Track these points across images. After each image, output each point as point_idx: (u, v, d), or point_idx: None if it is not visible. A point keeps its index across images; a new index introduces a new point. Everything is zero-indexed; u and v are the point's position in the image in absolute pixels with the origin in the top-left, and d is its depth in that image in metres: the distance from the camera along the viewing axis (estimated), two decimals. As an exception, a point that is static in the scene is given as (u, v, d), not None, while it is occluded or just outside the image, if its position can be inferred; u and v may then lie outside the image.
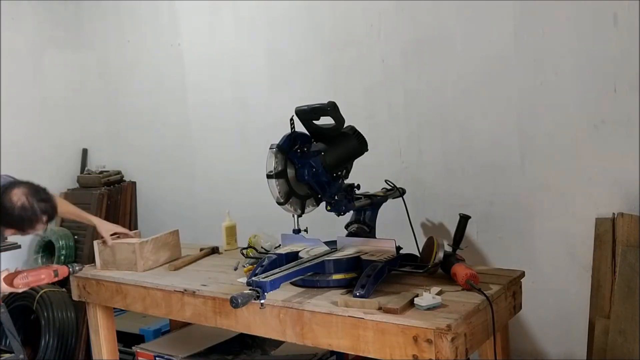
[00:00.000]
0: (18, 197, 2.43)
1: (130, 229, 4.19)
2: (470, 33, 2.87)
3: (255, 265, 2.52)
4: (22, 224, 2.48)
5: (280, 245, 2.77)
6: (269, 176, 2.37)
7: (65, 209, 3.01)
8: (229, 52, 3.74)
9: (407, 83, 3.08)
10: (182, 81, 3.99)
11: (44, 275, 2.62)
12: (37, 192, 2.49)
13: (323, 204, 2.54)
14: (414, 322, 1.98)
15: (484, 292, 2.15)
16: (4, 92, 3.97)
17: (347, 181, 2.56)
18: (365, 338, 2.09)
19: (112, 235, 2.95)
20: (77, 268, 2.81)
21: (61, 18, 4.33)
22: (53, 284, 3.82)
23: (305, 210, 2.52)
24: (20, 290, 2.59)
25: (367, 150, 2.58)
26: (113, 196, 4.20)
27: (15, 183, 2.50)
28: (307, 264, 2.36)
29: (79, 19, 4.41)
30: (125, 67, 4.29)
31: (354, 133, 2.56)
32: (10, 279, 2.52)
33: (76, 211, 3.05)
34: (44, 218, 2.50)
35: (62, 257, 4.00)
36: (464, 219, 2.62)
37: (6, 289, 2.53)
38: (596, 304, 2.59)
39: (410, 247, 2.66)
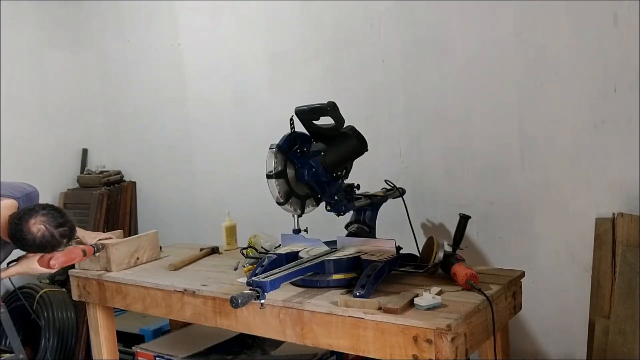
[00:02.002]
0: (37, 227, 2.52)
1: (130, 229, 4.22)
2: (470, 33, 2.87)
3: (255, 265, 2.52)
4: (44, 250, 2.60)
5: (280, 245, 2.77)
6: (268, 176, 2.37)
7: None
8: (229, 52, 3.74)
9: (407, 83, 3.08)
10: (182, 81, 3.99)
11: (75, 255, 2.76)
12: (55, 217, 2.57)
13: (323, 204, 2.54)
14: (414, 322, 1.98)
15: (484, 292, 2.15)
16: (4, 92, 3.97)
17: (347, 181, 2.56)
18: (365, 338, 2.09)
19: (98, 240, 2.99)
20: (100, 247, 2.90)
21: (61, 18, 4.32)
22: (53, 284, 3.84)
23: (305, 210, 2.52)
24: (54, 270, 2.73)
25: (367, 150, 2.58)
26: (113, 196, 4.19)
27: (31, 211, 2.56)
28: (307, 264, 2.36)
29: (79, 19, 4.41)
30: (125, 67, 4.29)
31: (354, 133, 2.56)
32: (45, 261, 2.64)
33: None
34: (64, 241, 2.61)
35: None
36: (464, 219, 2.61)
37: (42, 270, 2.68)
38: (596, 304, 2.59)
39: (410, 247, 2.66)
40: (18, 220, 2.53)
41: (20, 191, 2.76)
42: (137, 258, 3.02)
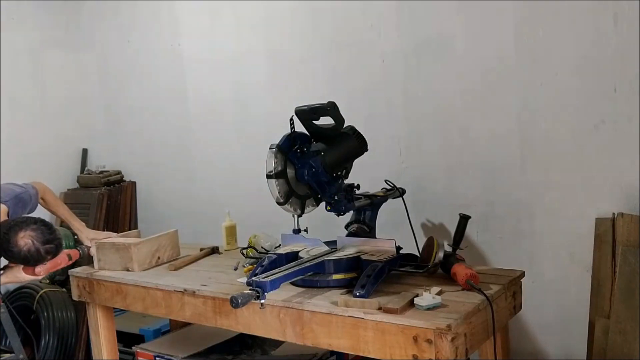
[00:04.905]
0: (25, 241, 2.54)
1: (130, 229, 4.22)
2: (470, 33, 2.87)
3: (255, 265, 2.52)
4: (27, 263, 2.62)
5: (280, 245, 2.77)
6: (268, 176, 2.37)
7: (55, 209, 3.09)
8: (229, 52, 3.74)
9: (407, 83, 3.08)
10: (182, 81, 3.98)
11: (60, 260, 2.74)
12: (43, 234, 2.58)
13: (323, 204, 2.54)
14: (414, 322, 1.98)
15: (484, 292, 2.15)
16: (4, 92, 3.97)
17: (347, 181, 2.56)
18: (365, 338, 2.09)
19: (92, 239, 3.00)
20: (85, 250, 2.92)
21: (61, 18, 4.32)
22: (53, 283, 3.83)
23: (305, 210, 2.52)
24: (41, 277, 2.74)
25: (367, 150, 2.58)
26: (113, 196, 4.19)
27: (22, 223, 2.57)
28: (307, 264, 2.36)
29: (79, 19, 4.41)
30: (125, 67, 4.29)
31: (354, 133, 2.56)
32: (31, 269, 2.65)
33: (66, 214, 3.09)
34: (49, 257, 2.63)
35: (63, 257, 4.00)
36: (464, 219, 2.61)
37: (28, 278, 2.69)
38: (596, 304, 2.59)
39: (410, 247, 2.66)
40: (7, 231, 2.54)
41: (9, 194, 2.76)
42: (159, 257, 2.97)
